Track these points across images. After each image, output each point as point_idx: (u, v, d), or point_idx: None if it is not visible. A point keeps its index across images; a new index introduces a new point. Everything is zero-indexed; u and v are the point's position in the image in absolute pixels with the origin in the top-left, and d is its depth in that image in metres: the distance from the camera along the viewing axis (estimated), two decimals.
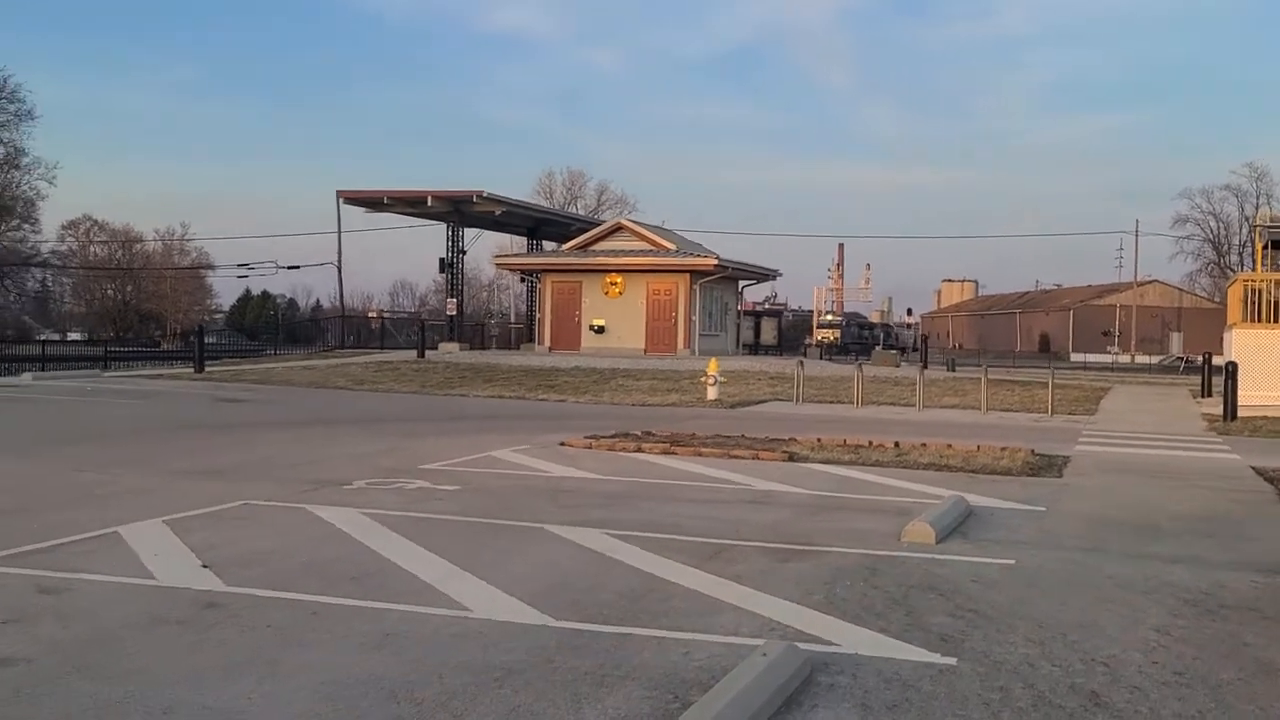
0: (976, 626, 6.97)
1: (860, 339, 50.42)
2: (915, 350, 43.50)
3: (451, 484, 12.18)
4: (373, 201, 46.71)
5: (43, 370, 36.49)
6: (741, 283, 50.04)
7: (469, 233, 49.53)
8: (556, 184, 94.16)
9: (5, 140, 69.46)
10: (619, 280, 44.46)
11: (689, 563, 8.58)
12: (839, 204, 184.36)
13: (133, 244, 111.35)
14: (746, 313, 58.00)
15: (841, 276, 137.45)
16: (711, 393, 25.82)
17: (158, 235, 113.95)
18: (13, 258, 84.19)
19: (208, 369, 34.42)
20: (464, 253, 48.13)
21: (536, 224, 51.89)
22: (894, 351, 45.91)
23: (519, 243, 54.20)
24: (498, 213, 45.97)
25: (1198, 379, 35.60)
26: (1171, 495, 12.87)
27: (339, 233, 54.45)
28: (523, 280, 50.95)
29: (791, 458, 15.08)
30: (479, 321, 62.43)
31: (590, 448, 15.71)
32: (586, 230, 47.84)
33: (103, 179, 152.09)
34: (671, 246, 45.28)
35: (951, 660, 6.26)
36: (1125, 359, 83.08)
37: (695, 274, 43.66)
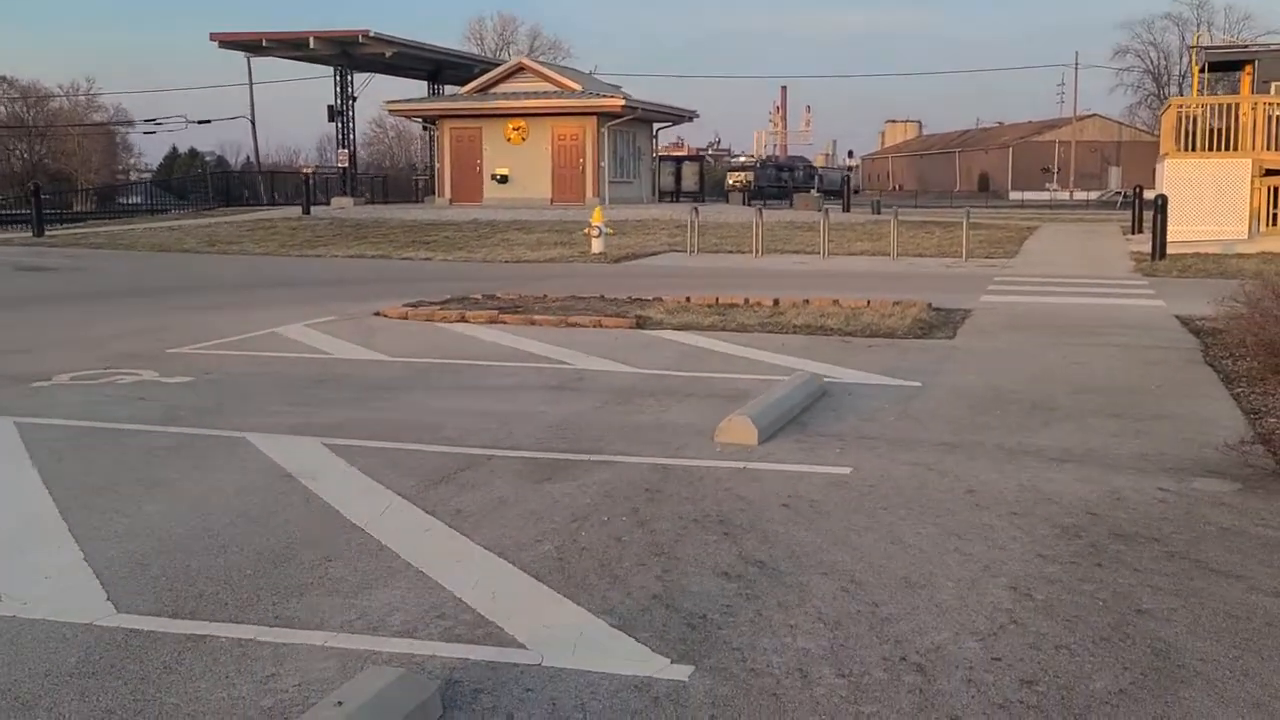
0: (753, 596, 4.74)
1: (779, 182, 47.30)
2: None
3: (187, 374, 9.75)
4: (251, 45, 42.96)
5: None
6: (656, 125, 47.04)
7: (364, 78, 46.02)
8: (487, 30, 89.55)
9: None
10: (521, 125, 41.42)
11: (408, 489, 6.30)
12: (782, 48, 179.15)
13: (42, 101, 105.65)
14: (666, 158, 55.02)
15: (784, 120, 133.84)
16: (596, 245, 23.35)
17: (63, 90, 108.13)
18: None
19: (55, 232, 31.35)
20: (354, 99, 44.72)
21: (437, 67, 48.23)
22: (817, 195, 43.42)
23: (422, 89, 50.56)
24: (388, 54, 42.44)
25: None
26: (1078, 358, 10.70)
27: (250, 84, 50.80)
28: (424, 129, 47.62)
29: (640, 324, 12.75)
30: (382, 174, 59.06)
31: (406, 318, 13.29)
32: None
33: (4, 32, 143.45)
34: (577, 87, 42.12)
35: (683, 674, 4.03)
36: (1064, 196, 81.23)
37: (603, 116, 40.67)
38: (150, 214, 43.75)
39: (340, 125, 44.55)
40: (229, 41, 42.79)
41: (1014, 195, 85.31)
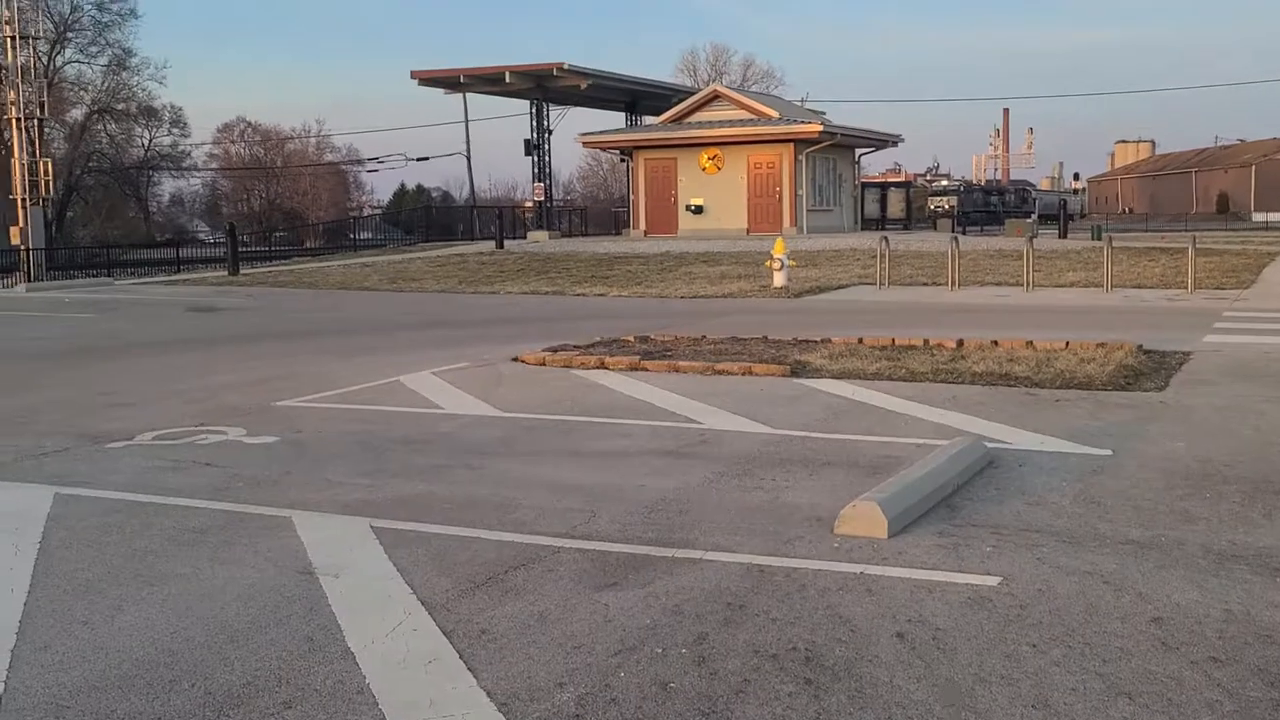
0: None
1: (986, 206, 44.24)
2: (1072, 217, 37.88)
3: (276, 433, 8.88)
4: (449, 81, 43.31)
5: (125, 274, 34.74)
6: (858, 151, 45.21)
7: (559, 111, 45.86)
8: (700, 62, 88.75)
9: (113, 41, 67.89)
10: (717, 154, 40.33)
11: (439, 595, 5.17)
12: (1004, 68, 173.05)
13: (280, 143, 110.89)
14: (870, 185, 52.97)
15: (1006, 143, 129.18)
16: (778, 279, 21.96)
17: (295, 133, 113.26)
18: (166, 162, 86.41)
19: (252, 270, 31.93)
20: (550, 132, 44.59)
21: (634, 98, 47.73)
22: (1030, 221, 40.58)
23: (620, 120, 50.12)
24: (583, 86, 42.10)
25: None
26: None
27: (465, 121, 51.64)
28: (621, 160, 47.11)
29: (795, 371, 11.35)
30: (582, 207, 58.93)
31: (544, 364, 12.26)
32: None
33: (253, 81, 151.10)
34: (774, 114, 40.79)
35: None
36: None
37: (801, 143, 39.19)
38: (374, 249, 44.57)
39: (536, 159, 44.45)
40: (428, 79, 43.25)
41: (1258, 217, 79.35)
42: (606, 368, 11.83)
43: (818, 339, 13.58)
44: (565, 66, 40.23)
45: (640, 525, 6.26)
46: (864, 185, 49.88)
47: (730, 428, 8.83)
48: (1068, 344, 12.53)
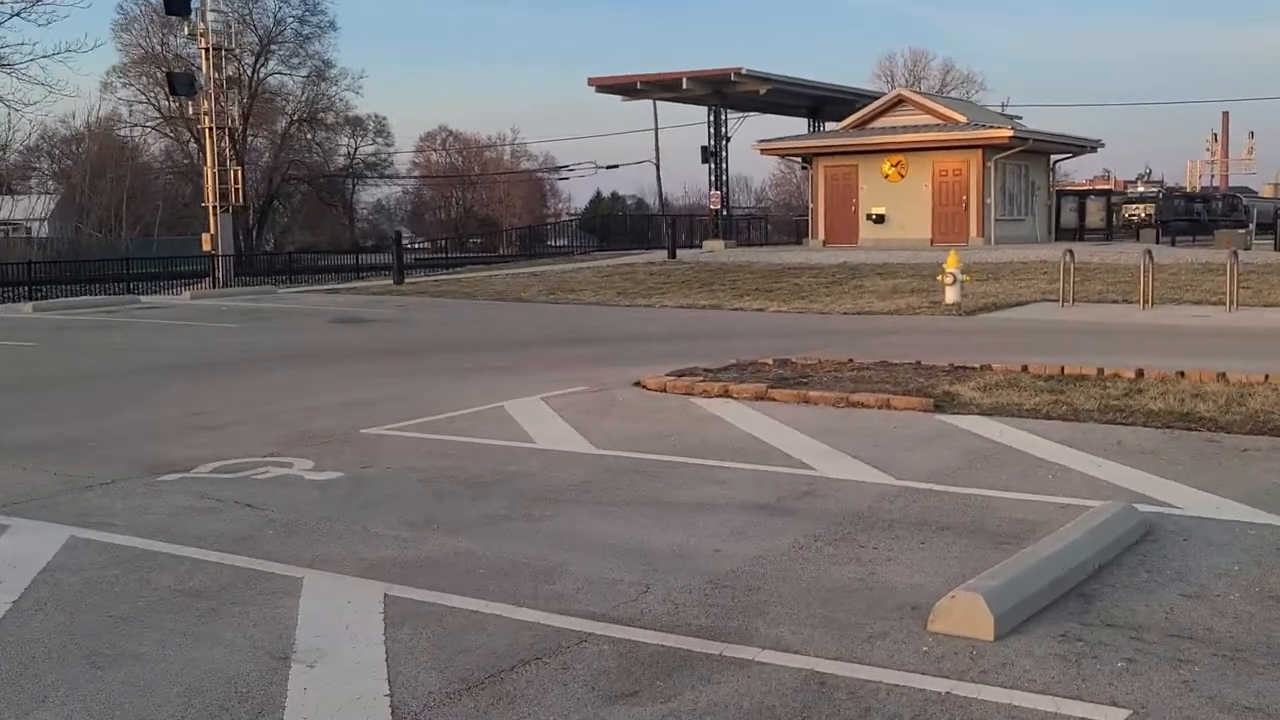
0: None
1: (1189, 214, 40.80)
2: None
3: (344, 468, 8.13)
4: (626, 88, 42.67)
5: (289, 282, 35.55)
6: (1053, 157, 42.70)
7: (738, 118, 44.78)
8: (898, 67, 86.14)
9: (313, 53, 70.04)
10: (900, 161, 38.58)
11: (417, 700, 4.27)
12: (1226, 72, 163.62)
13: (478, 152, 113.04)
14: (1067, 193, 50.04)
15: (1224, 148, 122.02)
16: (950, 294, 20.41)
17: (489, 141, 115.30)
18: (369, 170, 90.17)
19: (418, 279, 31.87)
20: (728, 139, 43.52)
21: (816, 103, 46.26)
22: (1243, 231, 37.46)
23: (802, 126, 48.73)
24: (762, 91, 40.92)
25: None
26: None
27: (655, 129, 51.15)
28: (803, 168, 45.70)
29: (940, 405, 10.07)
30: (763, 215, 57.67)
31: (664, 390, 11.27)
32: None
33: (451, 90, 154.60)
34: (962, 119, 38.80)
35: None
36: None
37: (990, 149, 37.12)
38: (564, 255, 44.56)
39: (713, 166, 43.50)
40: (605, 85, 42.80)
41: None
42: (730, 396, 10.77)
43: (977, 365, 12.21)
44: (743, 71, 39.16)
45: (695, 606, 5.22)
46: (1060, 193, 47.13)
47: (845, 475, 7.68)
48: (1267, 377, 10.88)
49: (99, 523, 6.71)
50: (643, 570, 5.75)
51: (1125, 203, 47.26)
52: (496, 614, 5.16)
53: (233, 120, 44.93)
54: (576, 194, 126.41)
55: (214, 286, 36.72)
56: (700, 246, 42.10)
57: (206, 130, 40.27)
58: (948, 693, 4.23)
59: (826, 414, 9.94)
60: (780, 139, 42.07)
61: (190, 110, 45.39)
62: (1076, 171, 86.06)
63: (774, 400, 10.56)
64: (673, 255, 36.91)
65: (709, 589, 5.46)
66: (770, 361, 12.86)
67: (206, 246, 39.77)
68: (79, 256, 44.85)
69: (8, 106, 46.46)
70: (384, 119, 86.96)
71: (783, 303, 22.09)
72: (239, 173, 42.04)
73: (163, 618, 5.18)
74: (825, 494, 7.23)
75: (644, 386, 11.52)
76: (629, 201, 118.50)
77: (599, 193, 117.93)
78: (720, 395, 10.83)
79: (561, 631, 4.93)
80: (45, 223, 73.93)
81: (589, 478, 7.81)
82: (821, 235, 40.37)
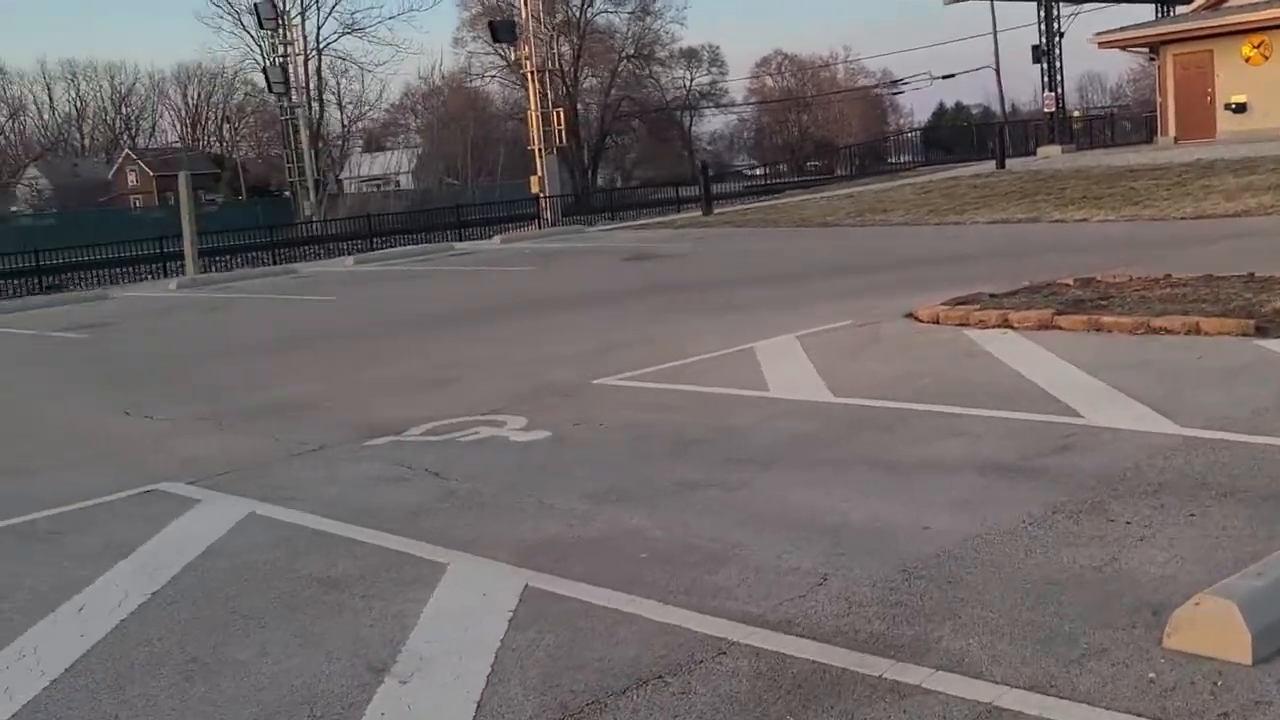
0: None
1: None
2: None
3: (556, 426, 7.55)
4: None
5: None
6: None
7: (1070, 11, 41.09)
8: None
9: None
10: (1263, 41, 34.22)
11: None
12: None
13: (815, 71, 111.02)
14: None
15: None
16: None
17: (822, 61, 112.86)
18: (705, 101, 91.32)
19: (726, 209, 31.11)
20: (1061, 35, 40.09)
21: None
22: None
23: (1148, 14, 44.25)
24: None
25: None
26: None
27: (994, 32, 48.12)
28: (1150, 59, 41.51)
29: (1264, 328, 8.39)
30: (1107, 114, 53.06)
31: (937, 321, 10.06)
32: None
33: (781, 11, 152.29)
34: None
35: None
36: None
37: None
38: (907, 170, 42.83)
39: (1045, 65, 40.26)
40: None
41: None
42: (1010, 326, 9.45)
43: None
44: None
45: (873, 605, 4.28)
46: None
47: (1116, 423, 6.38)
48: None
49: (283, 496, 6.43)
50: (826, 554, 4.83)
51: None
52: (638, 614, 4.41)
53: (563, 61, 45.71)
54: (919, 108, 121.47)
55: (540, 228, 37.45)
56: (1036, 154, 39.17)
57: (531, 74, 41.03)
58: None
59: (1118, 344, 8.51)
60: (1121, 29, 38.30)
61: (513, 56, 46.46)
62: None
63: (1059, 329, 9.17)
64: (1001, 165, 34.46)
65: (898, 581, 4.48)
66: (1071, 281, 11.32)
67: (534, 189, 40.67)
68: (427, 206, 46.99)
69: (360, 68, 49.32)
70: (717, 48, 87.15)
71: (1111, 210, 19.90)
72: (560, 114, 42.62)
73: (283, 615, 4.75)
74: (1085, 448, 6.00)
75: (916, 318, 10.35)
76: (974, 111, 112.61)
77: (942, 104, 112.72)
78: (999, 325, 9.53)
79: (702, 639, 4.13)
80: (410, 175, 78.68)
81: (815, 431, 6.89)
82: (1172, 131, 36.57)
